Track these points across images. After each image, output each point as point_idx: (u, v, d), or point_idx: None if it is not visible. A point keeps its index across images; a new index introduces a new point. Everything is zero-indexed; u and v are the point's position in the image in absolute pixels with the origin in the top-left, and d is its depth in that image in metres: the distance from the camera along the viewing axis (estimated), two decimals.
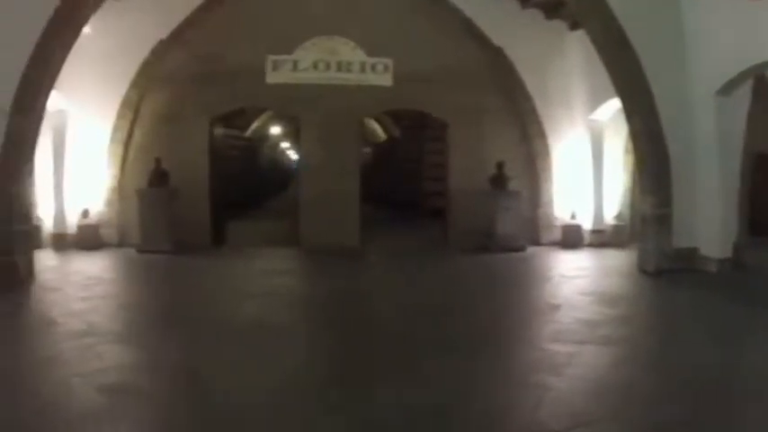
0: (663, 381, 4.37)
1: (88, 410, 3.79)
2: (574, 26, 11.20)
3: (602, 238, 11.72)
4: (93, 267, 9.41)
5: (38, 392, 4.09)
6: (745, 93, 8.66)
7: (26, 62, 7.76)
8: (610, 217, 11.93)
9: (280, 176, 30.47)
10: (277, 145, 29.64)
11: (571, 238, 11.65)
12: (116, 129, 11.37)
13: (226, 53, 11.57)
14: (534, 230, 12.02)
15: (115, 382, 4.28)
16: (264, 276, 8.97)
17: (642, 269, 8.90)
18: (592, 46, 9.28)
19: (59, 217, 11.10)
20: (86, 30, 10.56)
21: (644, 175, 9.12)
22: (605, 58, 8.97)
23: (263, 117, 22.89)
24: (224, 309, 6.93)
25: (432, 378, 4.42)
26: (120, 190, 11.55)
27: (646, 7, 8.71)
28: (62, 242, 10.97)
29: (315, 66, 11.95)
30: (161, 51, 11.43)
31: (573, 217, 11.81)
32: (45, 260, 9.86)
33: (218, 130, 12.63)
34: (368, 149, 27.51)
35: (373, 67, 11.99)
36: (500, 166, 11.52)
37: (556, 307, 6.66)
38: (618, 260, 10.15)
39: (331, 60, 11.97)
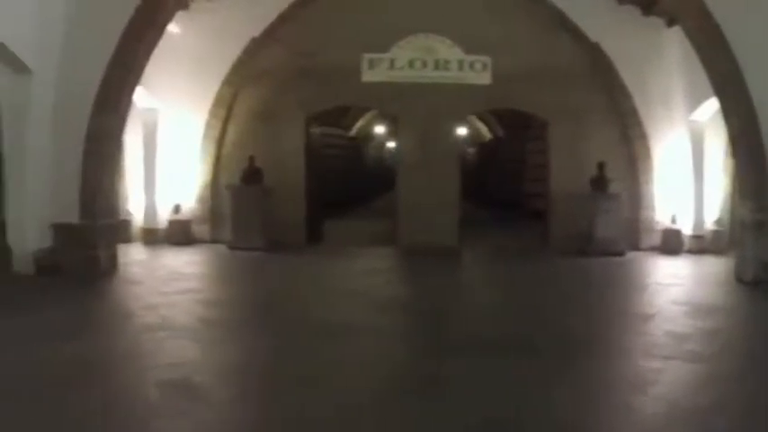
0: (752, 405, 3.94)
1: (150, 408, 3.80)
2: (671, 23, 10.50)
3: (702, 244, 11.06)
4: (180, 262, 9.51)
5: (101, 385, 4.14)
6: None
7: (108, 62, 7.97)
8: (710, 222, 11.24)
9: (385, 176, 30.33)
10: (383, 144, 29.54)
11: (671, 244, 11.09)
12: (209, 126, 11.48)
13: (320, 51, 11.42)
14: (634, 234, 11.41)
15: (171, 379, 4.24)
16: (353, 276, 8.90)
17: (739, 278, 8.32)
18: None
19: (150, 212, 11.34)
20: (177, 29, 10.84)
21: (742, 179, 8.64)
22: (702, 56, 8.38)
23: (368, 116, 22.85)
24: (306, 308, 6.78)
25: (512, 387, 4.25)
26: (214, 187, 11.64)
27: (743, 4, 7.86)
28: (152, 237, 11.22)
29: (411, 64, 11.59)
30: (254, 49, 11.43)
31: (673, 221, 11.22)
32: (133, 254, 10.14)
33: (315, 129, 12.50)
34: (472, 149, 26.87)
35: (471, 65, 11.51)
36: (601, 166, 11.09)
37: (648, 317, 6.31)
38: (716, 268, 9.64)
39: (428, 59, 11.60)
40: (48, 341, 5.12)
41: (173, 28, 10.82)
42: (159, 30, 8.35)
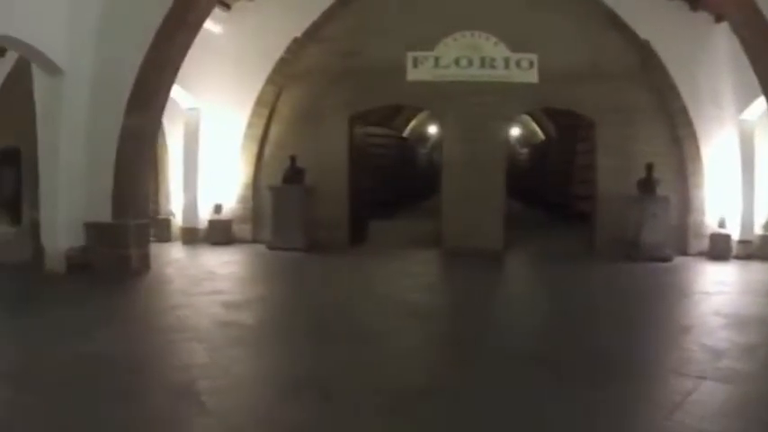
0: None
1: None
2: (719, 18, 9.99)
3: (749, 250, 10.42)
4: (216, 262, 9.45)
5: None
6: None
7: (141, 63, 7.98)
8: (758, 226, 10.57)
9: (438, 176, 29.91)
10: (436, 145, 29.18)
11: (718, 249, 10.48)
12: (251, 126, 11.44)
13: (364, 49, 11.24)
14: (682, 239, 10.81)
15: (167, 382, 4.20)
16: (388, 279, 8.69)
17: None
18: None
19: (191, 211, 11.36)
20: (219, 29, 10.86)
21: None
22: (749, 53, 7.78)
23: (421, 116, 22.54)
24: (330, 312, 6.58)
25: (522, 404, 3.99)
26: (255, 187, 11.60)
27: None
28: (193, 236, 11.24)
29: (457, 62, 11.28)
30: (297, 48, 11.35)
31: (721, 225, 10.59)
32: (171, 253, 10.19)
33: (359, 129, 12.30)
34: (525, 150, 26.21)
35: (518, 63, 11.10)
36: (649, 168, 10.56)
37: (686, 329, 5.94)
38: (763, 275, 9.18)
39: (473, 57, 11.24)
40: (51, 340, 5.10)
41: (215, 28, 10.89)
42: (192, 29, 8.28)
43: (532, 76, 11.02)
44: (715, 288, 8.04)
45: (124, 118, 8.07)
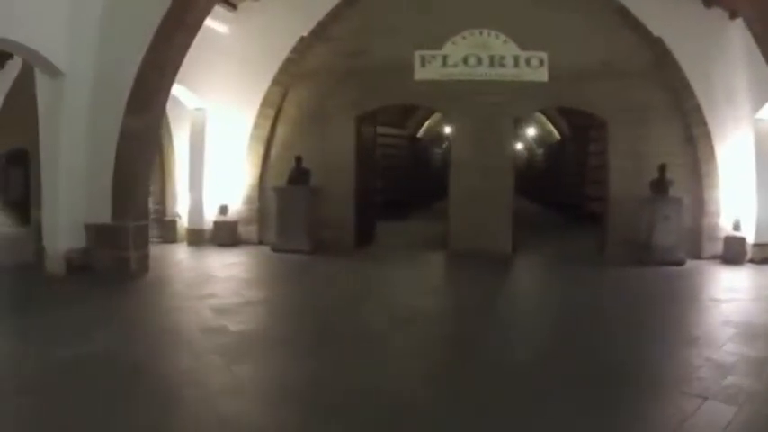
0: None
1: None
2: (734, 14, 9.69)
3: (765, 253, 10.10)
4: (218, 264, 9.37)
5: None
6: None
7: (139, 64, 7.95)
8: None
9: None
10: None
11: (733, 252, 10.16)
12: (257, 126, 11.36)
13: (371, 49, 11.10)
14: (696, 242, 10.50)
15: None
16: (389, 283, 8.56)
17: None
18: None
19: (196, 213, 11.28)
20: (224, 30, 10.80)
21: None
22: (763, 49, 7.42)
23: (436, 116, 22.33)
24: (323, 318, 6.44)
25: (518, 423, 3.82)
26: (262, 188, 11.51)
27: None
28: (198, 238, 11.17)
29: (465, 61, 11.08)
30: (303, 48, 11.24)
31: (736, 228, 10.27)
32: (175, 255, 10.13)
33: (367, 129, 12.14)
34: (541, 150, 25.89)
35: (528, 62, 10.88)
36: (662, 169, 10.28)
37: (692, 340, 5.63)
38: None
39: (482, 55, 11.04)
40: (33, 343, 5.06)
41: (221, 28, 10.84)
42: (191, 30, 8.22)
43: (542, 75, 10.79)
44: (725, 294, 7.73)
45: (123, 119, 8.03)
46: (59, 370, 4.45)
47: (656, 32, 10.40)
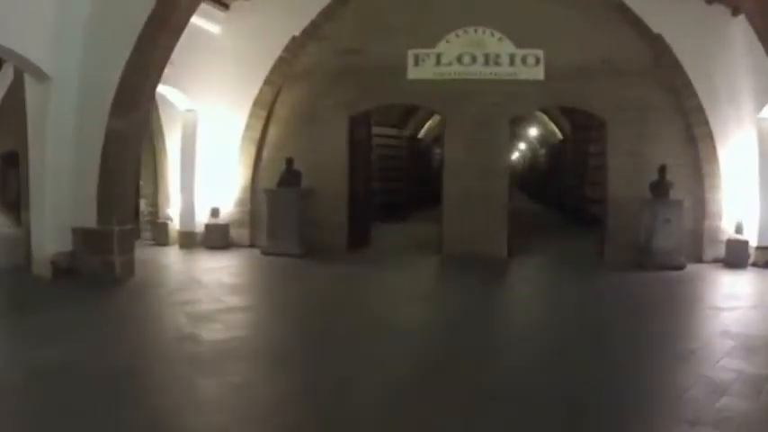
0: None
1: None
2: (736, 11, 9.48)
3: (767, 257, 9.84)
4: (206, 268, 9.22)
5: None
6: None
7: (123, 66, 7.84)
8: None
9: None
10: None
11: (735, 256, 9.94)
12: (248, 127, 11.20)
13: (363, 48, 10.95)
14: (697, 245, 10.28)
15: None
16: (379, 290, 8.30)
17: None
18: None
19: (187, 215, 11.10)
20: (216, 30, 10.66)
21: None
22: (765, 45, 7.22)
23: (437, 117, 22.11)
24: (300, 329, 6.24)
25: None
26: (254, 190, 11.34)
27: None
28: (190, 240, 10.98)
29: (459, 59, 10.89)
30: (295, 48, 11.08)
31: (739, 230, 10.04)
32: (165, 258, 9.98)
33: (362, 129, 11.96)
34: (543, 150, 25.62)
35: (524, 60, 10.69)
36: (662, 170, 10.07)
37: (687, 354, 5.31)
38: None
39: (477, 53, 10.86)
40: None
41: (213, 28, 10.69)
42: (175, 31, 8.07)
43: (538, 73, 10.61)
44: (726, 302, 7.50)
45: (108, 120, 7.91)
46: (21, 376, 4.33)
47: (655, 29, 10.17)
